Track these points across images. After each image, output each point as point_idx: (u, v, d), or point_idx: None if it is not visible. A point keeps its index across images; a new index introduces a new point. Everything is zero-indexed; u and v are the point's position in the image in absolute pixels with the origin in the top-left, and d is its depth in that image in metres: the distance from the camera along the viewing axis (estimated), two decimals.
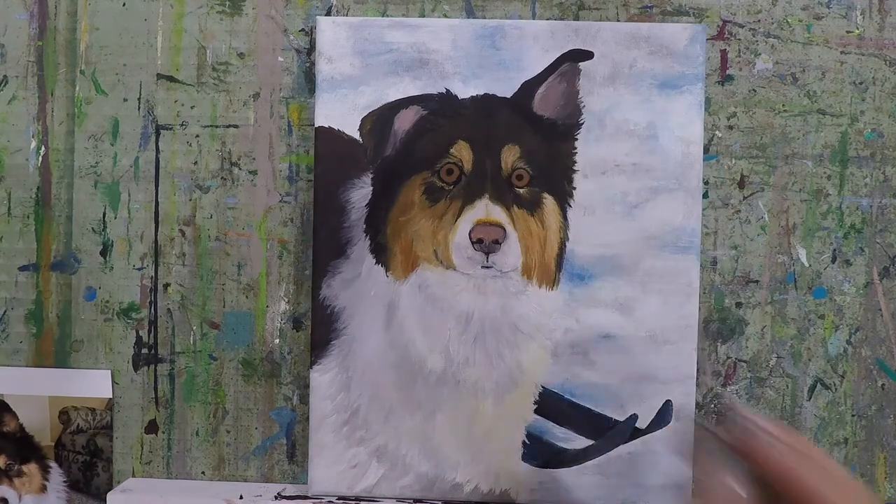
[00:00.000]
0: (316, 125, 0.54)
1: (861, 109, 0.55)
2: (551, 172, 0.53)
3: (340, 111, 0.54)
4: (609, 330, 0.53)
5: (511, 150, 0.53)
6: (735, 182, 0.55)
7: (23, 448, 0.58)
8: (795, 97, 0.55)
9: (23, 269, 0.58)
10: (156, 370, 0.58)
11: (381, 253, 0.54)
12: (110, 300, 0.58)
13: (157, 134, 0.57)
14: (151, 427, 0.58)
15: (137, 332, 0.58)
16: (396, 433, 0.54)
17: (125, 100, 0.57)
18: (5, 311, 0.58)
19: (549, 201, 0.54)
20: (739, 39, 0.55)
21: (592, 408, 0.54)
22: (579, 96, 0.53)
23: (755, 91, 0.55)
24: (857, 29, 0.55)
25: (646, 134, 0.53)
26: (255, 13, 0.57)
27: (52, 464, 0.58)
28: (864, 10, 0.55)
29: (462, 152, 0.53)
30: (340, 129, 0.54)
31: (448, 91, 0.54)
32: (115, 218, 0.58)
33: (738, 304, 0.55)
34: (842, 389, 0.55)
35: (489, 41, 0.53)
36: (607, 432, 0.53)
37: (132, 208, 0.58)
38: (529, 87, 0.53)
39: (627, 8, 0.55)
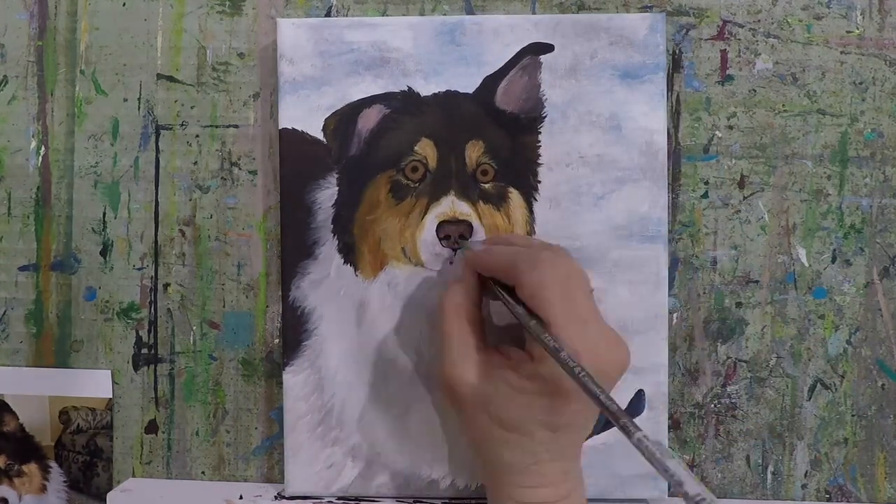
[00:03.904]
0: (279, 127, 0.54)
1: (861, 109, 0.55)
2: (516, 166, 0.54)
3: (303, 112, 0.54)
4: None
5: (475, 146, 0.53)
6: (735, 182, 0.55)
7: (23, 448, 0.58)
8: (795, 97, 0.55)
9: (23, 269, 0.58)
10: (156, 370, 0.58)
11: (348, 252, 0.54)
12: (110, 300, 0.58)
13: (157, 134, 0.57)
14: (151, 427, 0.58)
15: (137, 332, 0.58)
16: (371, 432, 0.54)
17: (125, 100, 0.57)
18: (5, 311, 0.58)
19: (514, 195, 0.54)
20: (739, 39, 0.55)
21: None
22: (541, 89, 0.54)
23: (755, 91, 0.55)
24: (857, 29, 0.55)
25: (609, 125, 0.53)
26: (255, 13, 0.57)
27: (52, 464, 0.59)
28: (864, 10, 0.55)
29: (426, 149, 0.53)
30: (304, 130, 0.54)
31: (410, 89, 0.54)
32: (115, 218, 0.58)
33: (738, 304, 0.55)
34: (842, 389, 0.55)
35: (449, 37, 0.54)
36: None
37: (132, 208, 0.58)
38: (491, 82, 0.54)
39: (627, 8, 0.55)
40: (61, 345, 0.58)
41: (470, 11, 0.56)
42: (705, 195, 0.55)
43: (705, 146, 0.55)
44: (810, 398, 0.55)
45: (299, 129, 0.54)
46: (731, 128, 0.55)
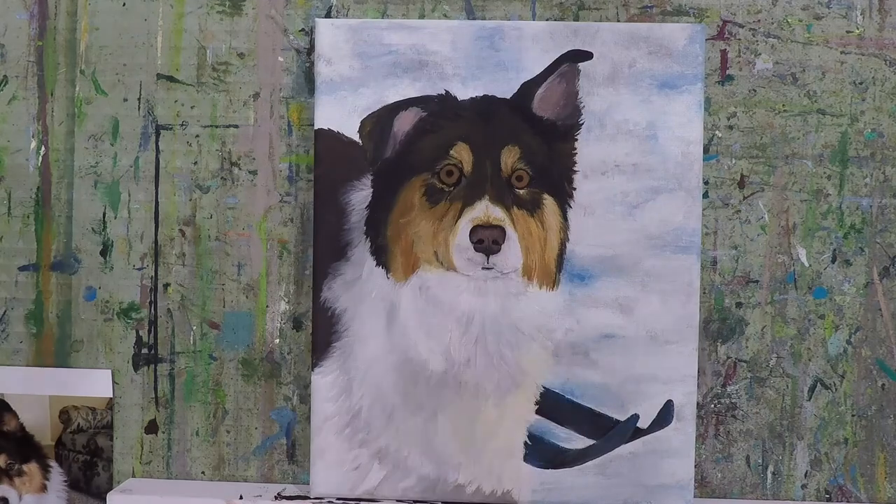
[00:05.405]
0: (315, 127, 0.54)
1: (861, 109, 0.55)
2: (551, 173, 0.53)
3: (340, 113, 0.54)
4: (610, 330, 0.53)
5: (511, 151, 0.53)
6: (735, 182, 0.55)
7: (23, 447, 0.59)
8: (795, 97, 0.55)
9: (23, 269, 0.58)
10: (156, 370, 0.58)
11: (381, 254, 0.54)
12: (110, 300, 0.58)
13: (157, 134, 0.57)
14: (151, 427, 0.58)
15: (137, 332, 0.58)
16: (398, 435, 0.54)
17: (125, 100, 0.57)
18: (5, 311, 0.58)
19: (549, 202, 0.54)
20: (739, 39, 0.55)
21: (594, 408, 0.54)
22: (579, 97, 0.53)
23: (755, 91, 0.55)
24: (857, 29, 0.55)
25: (645, 134, 0.53)
26: (255, 13, 0.57)
27: (53, 463, 0.59)
28: (864, 10, 0.55)
29: (462, 154, 0.53)
30: (340, 130, 0.54)
31: (447, 92, 0.54)
32: (115, 218, 0.58)
33: (738, 304, 0.55)
34: (842, 389, 0.55)
35: (488, 42, 0.53)
36: (608, 432, 0.53)
37: (132, 208, 0.58)
38: (529, 88, 0.53)
39: (627, 8, 0.55)
40: (61, 345, 0.58)
41: (470, 12, 0.56)
42: (705, 195, 0.55)
43: (705, 146, 0.55)
44: (810, 398, 0.55)
45: (335, 129, 0.54)
46: (731, 128, 0.55)
